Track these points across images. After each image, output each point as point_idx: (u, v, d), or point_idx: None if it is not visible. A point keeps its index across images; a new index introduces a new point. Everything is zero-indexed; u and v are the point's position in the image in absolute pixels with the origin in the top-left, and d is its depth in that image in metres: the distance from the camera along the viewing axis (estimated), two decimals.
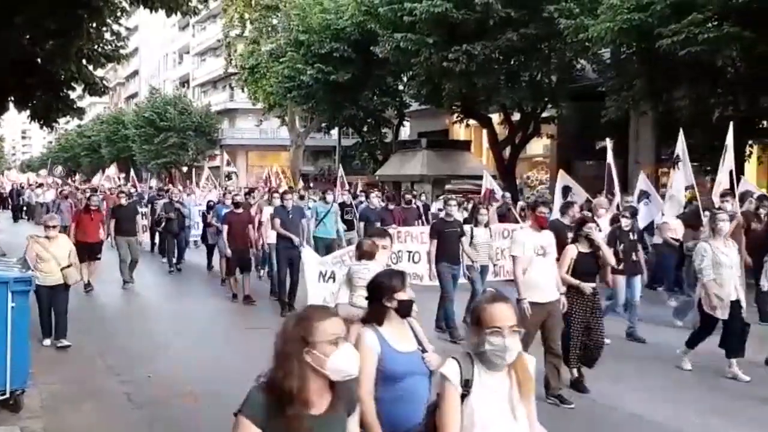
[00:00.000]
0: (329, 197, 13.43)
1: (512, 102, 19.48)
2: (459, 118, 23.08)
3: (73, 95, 15.98)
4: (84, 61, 13.85)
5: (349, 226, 14.63)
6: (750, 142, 14.59)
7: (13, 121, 72.10)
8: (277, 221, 10.99)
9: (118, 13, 13.85)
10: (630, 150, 20.44)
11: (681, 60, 12.74)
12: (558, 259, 6.86)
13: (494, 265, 10.67)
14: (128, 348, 8.42)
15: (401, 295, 3.54)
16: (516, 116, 20.95)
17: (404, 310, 3.56)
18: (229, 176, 39.06)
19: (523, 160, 24.08)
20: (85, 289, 12.06)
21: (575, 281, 6.79)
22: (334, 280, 9.82)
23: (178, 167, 48.14)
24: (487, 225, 9.92)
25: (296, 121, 35.73)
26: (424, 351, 3.60)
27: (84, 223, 12.57)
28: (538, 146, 24.51)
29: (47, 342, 8.29)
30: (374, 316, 3.58)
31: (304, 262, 9.87)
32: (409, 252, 11.22)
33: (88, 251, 12.16)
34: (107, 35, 14.49)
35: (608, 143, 12.83)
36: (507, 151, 21.44)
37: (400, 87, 25.80)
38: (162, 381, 7.12)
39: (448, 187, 21.38)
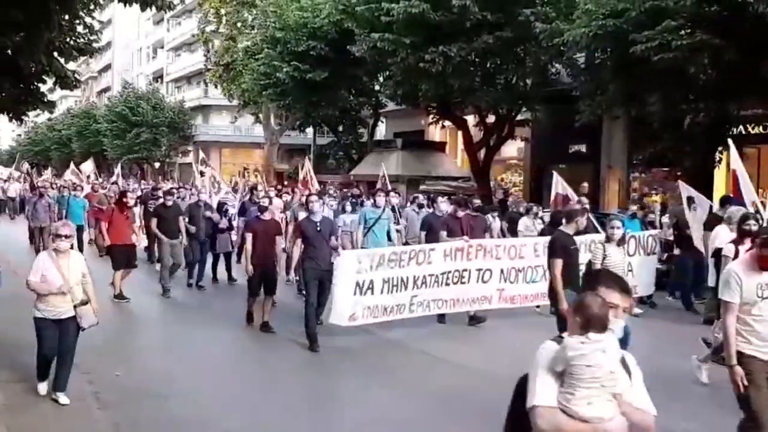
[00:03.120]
0: (380, 200, 11.17)
1: (487, 104, 19.57)
2: (435, 119, 23.15)
3: (43, 88, 15.71)
4: (55, 54, 13.62)
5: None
6: (720, 148, 14.82)
7: None
8: (297, 242, 9.07)
9: (91, 6, 13.65)
10: (602, 154, 20.68)
11: (654, 66, 12.90)
12: None
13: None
14: (98, 347, 8.27)
15: None
16: (491, 118, 21.05)
17: None
18: (202, 173, 38.68)
19: (498, 162, 24.22)
20: (117, 297, 10.96)
21: None
22: (372, 292, 8.83)
23: (150, 163, 47.63)
24: (621, 242, 7.64)
25: (271, 119, 35.54)
26: None
27: (119, 222, 11.25)
28: (512, 149, 24.67)
29: (42, 389, 6.42)
30: None
31: (339, 269, 8.63)
32: (479, 270, 9.71)
33: (125, 256, 11.14)
34: (80, 28, 14.27)
35: (732, 150, 10.67)
36: (482, 153, 21.55)
37: (377, 87, 25.77)
38: (131, 381, 7.02)
39: (422, 187, 21.42)
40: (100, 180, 27.63)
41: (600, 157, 20.71)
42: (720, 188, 17.49)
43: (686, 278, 11.57)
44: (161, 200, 12.57)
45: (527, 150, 23.88)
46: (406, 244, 11.83)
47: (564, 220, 7.59)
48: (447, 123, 23.32)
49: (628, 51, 13.10)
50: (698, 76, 12.91)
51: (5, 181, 31.78)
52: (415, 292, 9.23)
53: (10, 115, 15.40)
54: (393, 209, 12.40)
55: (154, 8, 11.81)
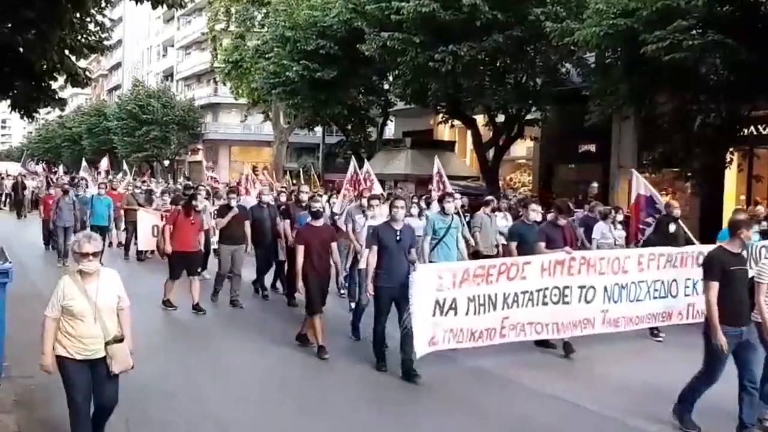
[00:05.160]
0: (449, 206, 9.37)
1: (497, 103, 19.52)
2: (444, 119, 23.12)
3: (54, 86, 15.77)
4: (66, 52, 13.67)
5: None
6: (730, 149, 14.74)
7: None
8: (373, 253, 7.58)
9: (103, 4, 13.69)
10: (612, 154, 20.60)
11: (665, 66, 12.83)
12: None
13: None
14: None
15: None
16: (500, 118, 21.01)
17: None
18: (211, 169, 38.88)
19: (507, 162, 24.18)
20: (194, 309, 10.20)
21: None
22: (455, 313, 7.48)
23: (160, 161, 47.84)
24: None
25: (280, 117, 35.62)
26: None
27: (183, 227, 10.33)
28: (521, 148, 24.62)
29: None
30: None
31: (416, 286, 7.31)
32: (582, 288, 8.31)
33: (185, 265, 10.31)
34: (91, 26, 14.31)
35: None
36: (491, 153, 21.50)
37: (386, 86, 25.77)
38: (139, 379, 7.03)
39: (430, 187, 21.38)
40: (118, 177, 27.13)
41: (610, 157, 20.63)
42: (731, 189, 17.45)
43: None
44: (223, 201, 11.44)
45: (536, 150, 23.82)
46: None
47: (729, 231, 6.29)
48: (456, 122, 23.28)
49: (639, 51, 13.03)
50: (709, 77, 12.84)
51: (22, 177, 30.65)
52: (506, 312, 7.86)
53: (22, 112, 15.46)
54: (458, 214, 10.63)
55: (164, 6, 11.87)
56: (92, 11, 13.34)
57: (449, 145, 26.63)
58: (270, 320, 10.31)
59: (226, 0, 35.91)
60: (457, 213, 10.44)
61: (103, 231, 14.45)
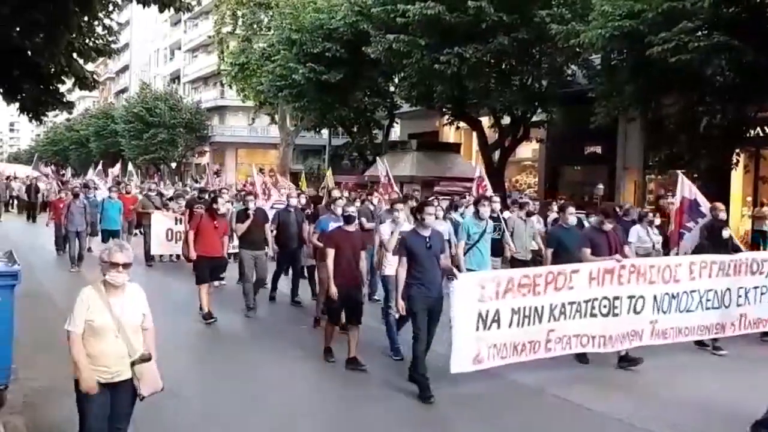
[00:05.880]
0: (484, 210, 8.91)
1: (502, 105, 19.55)
2: (449, 121, 23.16)
3: (62, 88, 15.86)
4: (74, 55, 13.75)
5: (496, 251, 9.79)
6: (737, 150, 14.72)
7: (1, 113, 71.50)
8: (402, 264, 6.90)
9: (110, 7, 13.77)
10: (618, 156, 20.59)
11: (671, 68, 12.84)
12: None
13: None
14: None
15: None
16: (506, 120, 21.02)
17: None
18: (217, 173, 39.04)
19: (512, 163, 24.19)
20: (205, 320, 9.70)
21: None
22: (498, 325, 6.97)
23: (167, 163, 48.04)
24: None
25: (287, 120, 35.72)
26: None
27: (207, 231, 9.92)
28: (527, 150, 24.62)
29: None
30: None
31: (457, 297, 6.76)
32: (631, 298, 7.84)
33: (210, 269, 9.92)
34: (98, 29, 14.39)
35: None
36: (496, 155, 21.51)
37: (392, 88, 25.82)
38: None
39: (436, 189, 21.42)
40: (134, 181, 26.80)
41: (616, 159, 20.62)
42: (737, 190, 17.41)
43: None
44: (242, 206, 10.90)
45: (542, 151, 23.82)
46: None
47: None
48: (462, 124, 23.31)
49: (645, 52, 13.04)
50: (715, 78, 12.83)
51: (35, 180, 29.72)
52: (552, 325, 7.38)
53: (30, 115, 15.55)
54: (498, 218, 10.09)
55: (171, 10, 11.92)
56: (100, 15, 13.41)
57: (455, 147, 26.64)
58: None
59: (232, 3, 36.05)
60: (496, 218, 9.99)
61: (114, 235, 14.22)
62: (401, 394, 6.86)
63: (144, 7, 11.19)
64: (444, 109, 22.25)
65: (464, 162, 26.27)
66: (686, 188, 11.06)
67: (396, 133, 32.18)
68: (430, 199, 10.10)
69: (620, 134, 20.12)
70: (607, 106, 15.74)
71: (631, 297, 7.81)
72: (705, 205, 10.56)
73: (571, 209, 8.87)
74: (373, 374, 7.49)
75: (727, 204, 15.66)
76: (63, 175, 39.93)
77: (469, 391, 6.90)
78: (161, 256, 15.63)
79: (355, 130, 29.07)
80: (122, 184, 21.06)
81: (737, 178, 16.98)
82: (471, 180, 22.69)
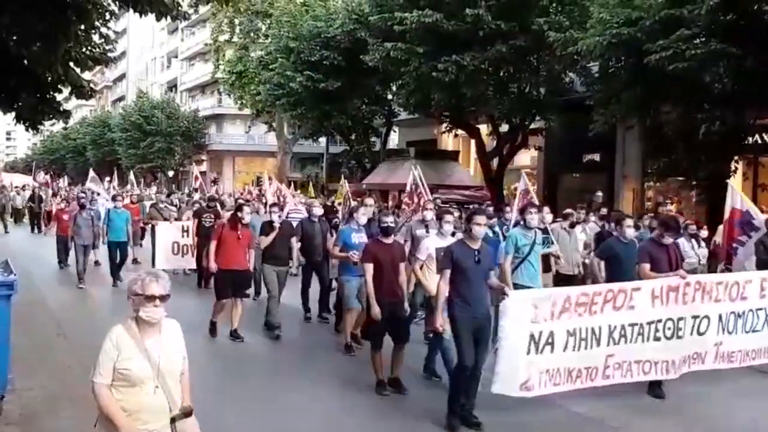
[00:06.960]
0: (531, 218, 8.13)
1: (500, 113, 19.55)
2: (447, 128, 23.16)
3: (59, 97, 15.84)
4: (71, 64, 13.73)
5: (546, 266, 9.19)
6: (735, 157, 14.71)
7: None
8: (445, 279, 6.18)
9: (107, 16, 13.75)
10: (616, 163, 20.59)
11: (669, 75, 12.85)
12: None
13: None
14: None
15: None
16: (504, 127, 21.02)
17: None
18: (215, 181, 39.04)
19: (511, 171, 24.16)
20: (232, 336, 9.15)
21: None
22: (552, 349, 6.28)
23: (164, 171, 48.01)
24: None
25: (284, 128, 35.73)
26: None
27: (229, 243, 9.23)
28: (525, 157, 24.61)
29: None
30: None
31: (507, 317, 6.14)
32: (695, 318, 7.12)
33: (233, 284, 9.18)
34: (95, 38, 14.37)
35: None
36: (495, 162, 21.50)
37: (389, 96, 25.84)
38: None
39: (434, 196, 21.39)
40: (134, 189, 26.28)
41: (614, 166, 20.62)
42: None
43: None
44: (267, 217, 10.25)
45: (541, 159, 23.82)
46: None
47: None
48: (460, 132, 23.32)
49: (643, 60, 13.06)
50: (714, 85, 12.84)
51: (38, 189, 29.41)
52: (611, 349, 6.65)
53: (27, 124, 15.50)
54: (546, 230, 9.18)
55: (168, 18, 11.88)
56: (97, 23, 13.40)
57: (453, 155, 26.64)
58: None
59: (229, 11, 36.08)
60: (544, 229, 9.09)
61: (122, 247, 13.65)
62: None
63: (141, 15, 11.15)
64: (442, 117, 22.26)
65: (463, 170, 26.27)
66: (737, 199, 10.10)
67: (394, 140, 32.20)
68: (480, 208, 9.07)
69: (619, 142, 20.13)
70: (605, 114, 15.74)
71: (695, 317, 7.10)
72: (759, 218, 9.71)
73: (629, 221, 8.05)
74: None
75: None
76: (57, 183, 39.76)
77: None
78: (174, 270, 14.05)
79: (353, 137, 29.08)
80: (125, 192, 20.85)
81: (736, 186, 16.93)
82: (469, 188, 22.67)
